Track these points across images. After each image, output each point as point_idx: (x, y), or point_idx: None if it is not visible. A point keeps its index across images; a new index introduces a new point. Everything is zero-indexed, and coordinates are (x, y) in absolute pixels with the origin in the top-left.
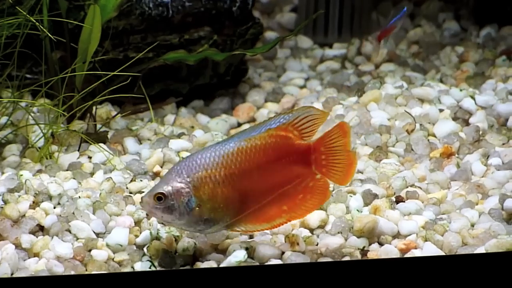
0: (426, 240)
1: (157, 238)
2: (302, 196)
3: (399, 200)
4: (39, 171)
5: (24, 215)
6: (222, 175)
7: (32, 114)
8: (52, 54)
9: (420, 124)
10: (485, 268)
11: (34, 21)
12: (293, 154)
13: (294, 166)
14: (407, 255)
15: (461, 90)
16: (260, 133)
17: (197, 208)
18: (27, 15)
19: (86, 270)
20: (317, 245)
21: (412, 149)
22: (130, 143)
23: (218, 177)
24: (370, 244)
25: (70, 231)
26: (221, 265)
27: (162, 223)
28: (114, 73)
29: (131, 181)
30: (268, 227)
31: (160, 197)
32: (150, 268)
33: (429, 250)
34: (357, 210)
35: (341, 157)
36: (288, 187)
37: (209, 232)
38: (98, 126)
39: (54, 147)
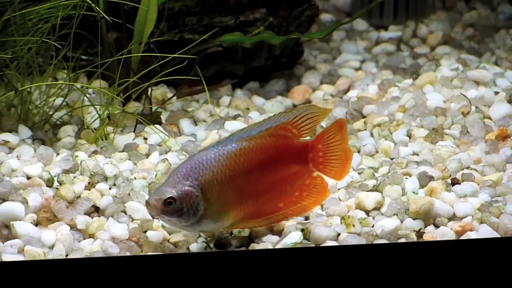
0: (481, 222)
1: None
2: (298, 193)
3: (454, 182)
4: (95, 152)
5: (79, 196)
6: (227, 177)
7: (88, 96)
8: (108, 35)
9: (476, 107)
10: None
11: (90, 2)
12: (292, 153)
13: (292, 165)
14: (463, 237)
15: None
16: (260, 132)
17: (204, 211)
18: None
19: (142, 251)
20: (372, 227)
21: (467, 132)
22: (185, 124)
23: (224, 178)
24: (425, 226)
25: (125, 212)
26: (277, 247)
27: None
28: (172, 55)
29: None
30: (266, 223)
31: (170, 202)
32: (205, 249)
33: (484, 232)
34: (413, 192)
35: (338, 152)
36: (285, 185)
37: (209, 231)
38: (154, 107)
39: (109, 128)
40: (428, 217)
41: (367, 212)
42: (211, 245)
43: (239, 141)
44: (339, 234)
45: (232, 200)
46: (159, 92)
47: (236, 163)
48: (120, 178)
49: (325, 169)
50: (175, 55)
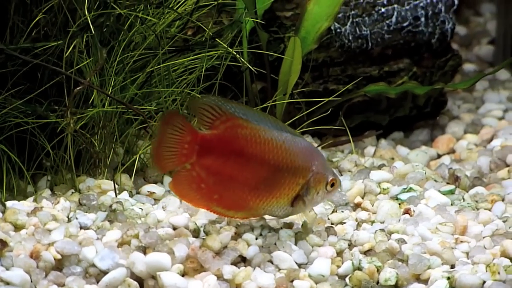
0: None
1: (359, 268)
2: None
3: None
4: None
5: (226, 246)
6: None
7: None
8: (253, 85)
9: None
10: None
11: (235, 53)
12: None
13: None
14: None
15: None
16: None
17: None
18: (227, 47)
19: None
20: None
21: None
22: None
23: None
24: None
25: (272, 262)
26: None
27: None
28: (318, 104)
29: (332, 212)
30: None
31: None
32: None
33: None
34: None
35: None
36: None
37: None
38: None
39: None
40: None
41: None
42: None
43: None
44: (484, 282)
45: None
46: None
47: None
48: (266, 229)
49: None
50: (321, 104)
